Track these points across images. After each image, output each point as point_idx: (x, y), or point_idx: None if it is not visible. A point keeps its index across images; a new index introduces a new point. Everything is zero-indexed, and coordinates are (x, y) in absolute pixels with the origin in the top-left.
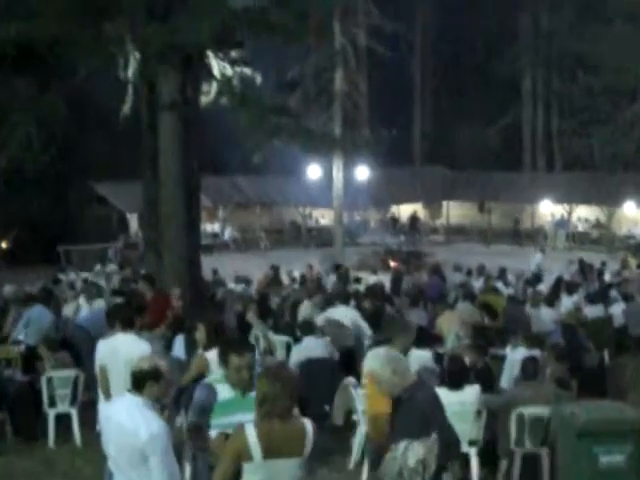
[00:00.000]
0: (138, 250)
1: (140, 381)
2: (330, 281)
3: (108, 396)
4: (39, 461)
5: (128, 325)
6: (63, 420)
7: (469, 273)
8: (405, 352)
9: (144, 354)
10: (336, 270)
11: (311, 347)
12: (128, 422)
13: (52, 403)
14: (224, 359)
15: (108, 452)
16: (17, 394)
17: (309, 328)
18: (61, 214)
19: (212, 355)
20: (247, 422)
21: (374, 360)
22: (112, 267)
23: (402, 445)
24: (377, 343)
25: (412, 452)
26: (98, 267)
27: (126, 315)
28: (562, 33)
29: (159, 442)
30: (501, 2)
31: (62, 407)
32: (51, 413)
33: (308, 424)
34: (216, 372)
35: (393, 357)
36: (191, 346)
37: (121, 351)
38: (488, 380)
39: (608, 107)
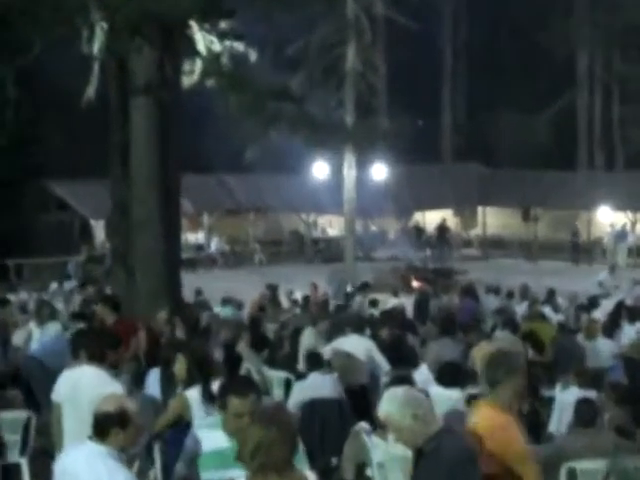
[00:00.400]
0: (104, 265)
1: (104, 427)
2: (356, 303)
3: (61, 444)
4: None
5: (98, 358)
6: (11, 472)
7: (510, 295)
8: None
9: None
10: (360, 290)
11: (317, 385)
12: (88, 476)
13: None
14: (222, 401)
15: None
16: None
17: (317, 361)
18: (11, 221)
19: (193, 394)
20: (238, 478)
21: (390, 403)
22: (72, 285)
23: None
24: (397, 380)
25: None
26: (55, 285)
27: (96, 344)
28: (627, 3)
29: None
30: None
31: (10, 456)
32: None
33: (312, 478)
34: (199, 415)
35: (414, 398)
36: (168, 382)
37: (85, 388)
38: (535, 427)
39: None
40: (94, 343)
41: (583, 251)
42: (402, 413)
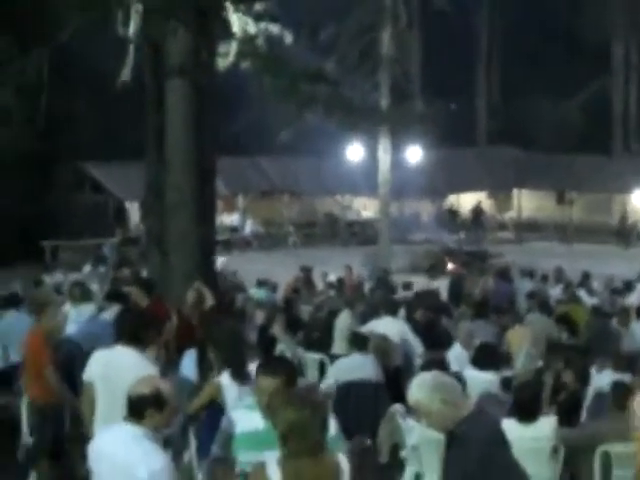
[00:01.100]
0: (139, 246)
1: (139, 408)
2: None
3: (92, 424)
4: None
5: (135, 339)
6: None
7: (544, 279)
8: None
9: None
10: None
11: (358, 366)
12: (124, 457)
13: (33, 433)
14: (256, 381)
15: None
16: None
17: (361, 342)
18: (46, 202)
19: (225, 379)
20: (269, 459)
21: (419, 388)
22: (107, 267)
23: None
24: (430, 363)
25: None
26: (89, 267)
27: (136, 326)
28: None
29: None
30: None
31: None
32: (29, 444)
33: (344, 461)
34: (232, 398)
35: (442, 383)
36: (204, 364)
37: (120, 369)
38: (570, 410)
39: None
40: (135, 325)
41: (618, 234)
42: (431, 398)
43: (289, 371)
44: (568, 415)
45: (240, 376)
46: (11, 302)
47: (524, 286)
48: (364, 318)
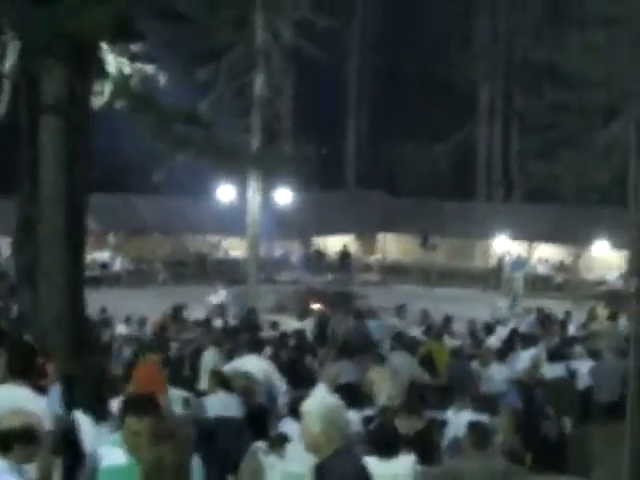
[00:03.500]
0: (8, 281)
1: (6, 442)
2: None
3: None
4: None
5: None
6: None
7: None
8: None
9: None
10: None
11: (223, 404)
12: None
13: None
14: (121, 419)
15: None
16: None
17: (223, 381)
18: None
19: (80, 415)
20: None
21: (316, 406)
22: None
23: None
24: (298, 400)
25: None
26: None
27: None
28: (525, 38)
29: None
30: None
31: None
32: None
33: None
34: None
35: (335, 413)
36: (69, 399)
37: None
38: (427, 448)
39: (580, 128)
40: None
41: (478, 279)
42: (315, 423)
43: (155, 411)
44: (426, 453)
45: (99, 413)
46: None
47: (391, 326)
48: (230, 356)
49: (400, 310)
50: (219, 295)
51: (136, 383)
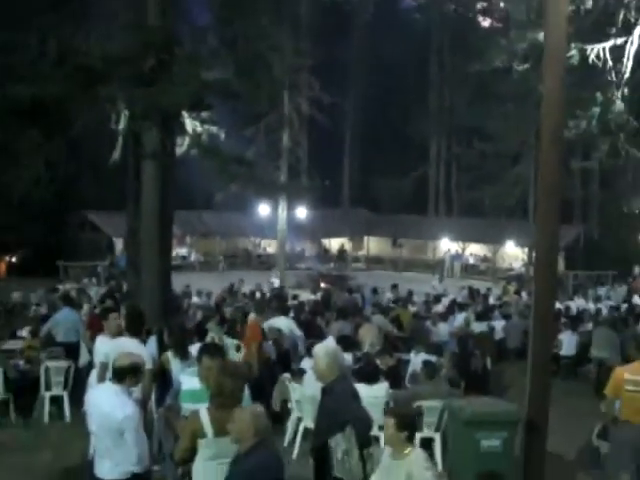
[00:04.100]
0: (119, 268)
1: (120, 374)
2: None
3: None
4: (35, 434)
5: (132, 330)
6: (56, 401)
7: (382, 293)
8: None
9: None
10: (393, 288)
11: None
12: (107, 405)
13: (48, 387)
14: (199, 358)
15: (92, 428)
16: (20, 379)
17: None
18: (61, 237)
19: (170, 354)
20: (202, 408)
21: (323, 349)
22: (100, 281)
23: (333, 443)
24: (310, 347)
25: (339, 446)
26: (86, 280)
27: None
28: (461, 109)
29: (132, 421)
30: (415, 81)
31: (56, 390)
32: (47, 395)
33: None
34: (175, 368)
35: (335, 354)
36: (161, 345)
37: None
38: (395, 378)
39: (496, 168)
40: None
41: (429, 267)
42: (322, 360)
43: (220, 353)
44: (395, 381)
45: (182, 354)
46: (65, 300)
47: (371, 297)
48: (267, 317)
49: (393, 288)
50: (275, 279)
51: (247, 333)
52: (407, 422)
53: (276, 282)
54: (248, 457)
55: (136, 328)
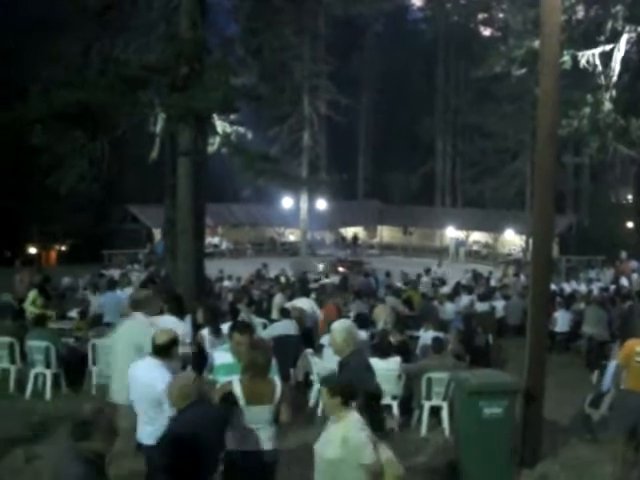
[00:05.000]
0: (157, 255)
1: (160, 349)
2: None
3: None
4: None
5: (173, 309)
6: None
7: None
8: None
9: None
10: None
11: (286, 327)
12: (148, 377)
13: (94, 362)
14: (230, 335)
15: (134, 398)
16: (70, 356)
17: (286, 313)
18: (105, 228)
19: (204, 332)
20: (235, 379)
21: (339, 326)
22: (140, 267)
23: None
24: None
25: None
26: (128, 266)
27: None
28: (464, 109)
29: None
30: (422, 85)
31: (102, 366)
32: (94, 370)
33: (278, 382)
34: (210, 344)
35: (350, 330)
36: (195, 324)
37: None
38: (407, 353)
39: (496, 163)
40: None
41: (436, 252)
42: (340, 335)
43: (249, 330)
44: (406, 356)
45: (215, 332)
46: (110, 284)
47: (385, 281)
48: (290, 298)
49: (404, 276)
50: (320, 264)
51: (325, 314)
52: (337, 389)
53: (320, 267)
54: (182, 413)
55: (175, 308)
